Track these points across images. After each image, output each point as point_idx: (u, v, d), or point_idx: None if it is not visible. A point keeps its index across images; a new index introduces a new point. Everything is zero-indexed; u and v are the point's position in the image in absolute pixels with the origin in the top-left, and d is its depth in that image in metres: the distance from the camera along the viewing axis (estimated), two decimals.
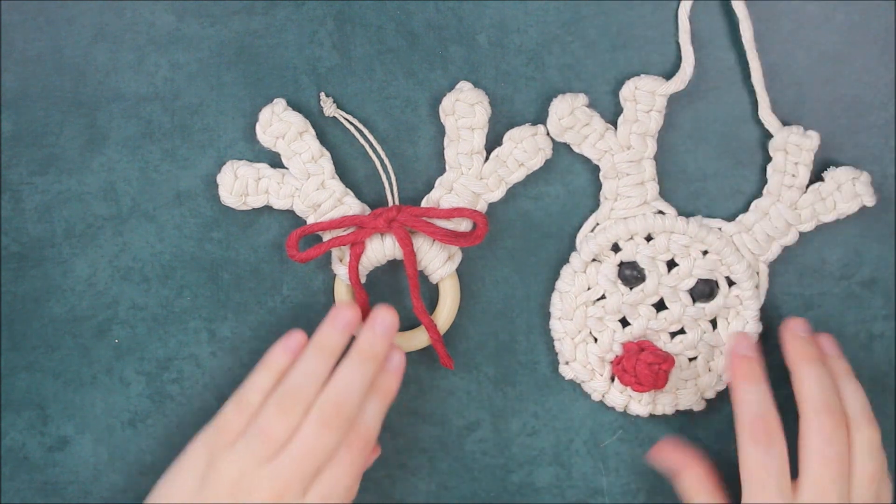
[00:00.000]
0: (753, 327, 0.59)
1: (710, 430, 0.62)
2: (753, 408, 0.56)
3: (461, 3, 0.59)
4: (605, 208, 0.59)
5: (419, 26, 0.59)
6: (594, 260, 0.60)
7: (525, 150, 0.58)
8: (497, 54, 0.59)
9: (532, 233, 0.60)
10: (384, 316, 0.57)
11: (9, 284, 0.61)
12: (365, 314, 0.59)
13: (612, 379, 0.61)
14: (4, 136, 0.60)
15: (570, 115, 0.58)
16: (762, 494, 0.55)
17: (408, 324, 0.61)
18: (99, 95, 0.59)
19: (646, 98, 0.58)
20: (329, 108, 0.58)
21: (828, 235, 0.60)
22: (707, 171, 0.60)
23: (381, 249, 0.58)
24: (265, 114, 0.58)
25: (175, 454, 0.62)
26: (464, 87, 0.58)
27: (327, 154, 0.58)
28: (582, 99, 0.58)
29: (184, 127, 0.60)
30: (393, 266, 0.60)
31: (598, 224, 0.59)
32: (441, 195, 0.59)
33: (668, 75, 0.58)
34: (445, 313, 0.60)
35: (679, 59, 0.58)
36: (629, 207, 0.59)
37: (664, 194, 0.60)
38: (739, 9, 0.57)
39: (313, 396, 0.54)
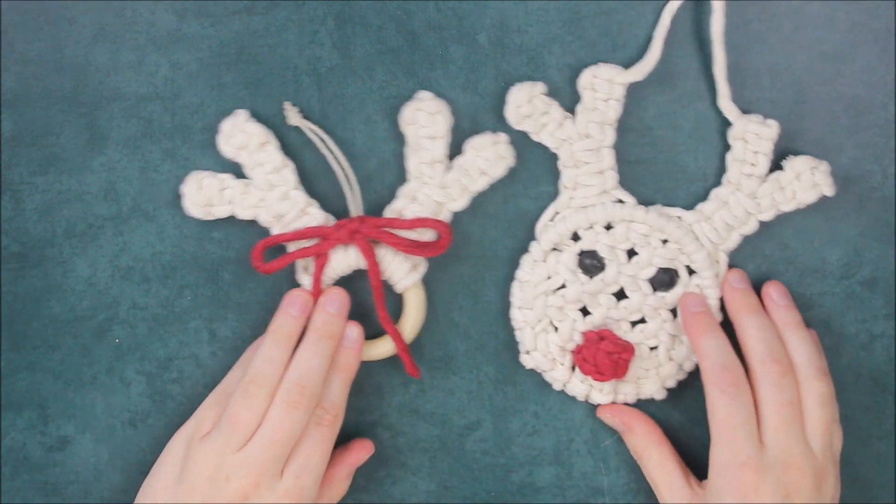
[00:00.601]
0: (715, 316, 0.59)
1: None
2: (719, 359, 0.57)
3: (461, 3, 0.59)
4: (564, 197, 0.59)
5: (419, 26, 0.59)
6: (554, 249, 0.60)
7: (487, 158, 0.58)
8: (497, 54, 0.59)
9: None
10: (335, 295, 0.58)
11: (9, 284, 0.61)
12: None
13: (574, 368, 0.60)
14: (5, 136, 0.60)
15: (528, 104, 0.58)
16: (732, 441, 0.56)
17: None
18: (99, 95, 0.59)
19: (604, 87, 0.58)
20: (293, 117, 0.58)
21: (828, 235, 0.60)
22: (707, 170, 0.60)
23: (344, 260, 0.58)
24: (227, 125, 0.58)
25: None
26: (424, 96, 0.58)
27: (291, 165, 0.58)
28: (540, 87, 0.58)
29: (184, 127, 0.60)
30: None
31: (557, 213, 0.59)
32: (404, 205, 0.59)
33: (668, 76, 0.58)
34: (411, 323, 0.60)
35: (678, 59, 0.58)
36: (588, 196, 0.59)
37: (667, 194, 0.60)
38: (717, 5, 0.57)
39: (276, 381, 0.56)
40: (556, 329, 0.60)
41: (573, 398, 0.62)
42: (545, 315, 0.60)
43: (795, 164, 0.58)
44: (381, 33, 0.59)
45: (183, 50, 0.59)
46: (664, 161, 0.60)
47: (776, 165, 0.59)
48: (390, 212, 0.59)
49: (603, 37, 0.59)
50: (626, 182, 0.60)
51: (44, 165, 0.60)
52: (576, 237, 0.59)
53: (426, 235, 0.58)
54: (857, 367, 0.61)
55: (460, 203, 0.59)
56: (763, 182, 0.58)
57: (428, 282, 0.61)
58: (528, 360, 0.61)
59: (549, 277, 0.60)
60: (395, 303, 0.61)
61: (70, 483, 0.62)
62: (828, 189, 0.58)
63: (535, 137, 0.59)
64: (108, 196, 0.60)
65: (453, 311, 0.61)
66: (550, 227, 0.59)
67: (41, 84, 0.59)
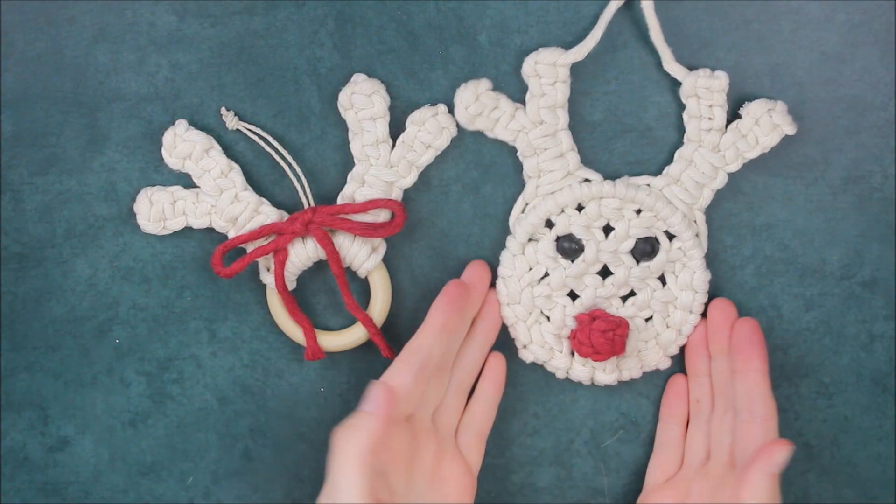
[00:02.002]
0: (701, 276, 0.59)
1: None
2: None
3: (462, 3, 0.59)
4: (530, 187, 0.59)
5: (420, 26, 0.59)
6: (530, 240, 0.59)
7: (429, 131, 0.58)
8: (497, 54, 0.59)
9: None
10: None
11: (9, 284, 0.61)
12: (295, 319, 0.59)
13: (573, 354, 0.60)
14: (5, 136, 0.60)
15: (476, 102, 0.58)
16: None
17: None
18: (99, 95, 0.59)
19: (548, 71, 0.58)
20: (231, 121, 0.58)
21: (828, 235, 0.60)
22: None
23: (304, 253, 0.58)
24: (168, 137, 0.58)
25: (175, 454, 0.62)
26: (358, 79, 0.58)
27: (237, 167, 0.59)
28: (485, 84, 0.58)
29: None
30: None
31: (527, 204, 0.59)
32: (355, 189, 0.59)
33: (666, 77, 0.58)
34: (379, 306, 0.60)
35: (678, 58, 0.58)
36: (554, 181, 0.59)
37: None
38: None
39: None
40: (548, 318, 0.60)
41: (573, 398, 0.62)
42: (534, 307, 0.60)
43: (752, 110, 0.58)
44: (381, 33, 0.59)
45: (183, 50, 0.59)
46: (664, 161, 0.60)
47: (735, 116, 0.59)
48: (341, 198, 0.59)
49: (603, 37, 0.59)
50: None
51: (44, 165, 0.60)
52: (549, 224, 0.59)
53: (380, 216, 0.59)
54: (857, 368, 0.61)
55: (409, 179, 0.59)
56: (723, 134, 0.58)
57: (428, 282, 0.61)
58: (526, 355, 0.61)
59: (530, 269, 0.60)
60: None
61: (70, 483, 0.62)
62: (788, 128, 0.57)
63: (490, 135, 0.58)
64: (108, 196, 0.60)
65: None
66: (523, 219, 0.59)
67: (41, 84, 0.59)
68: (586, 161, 0.59)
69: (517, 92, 0.59)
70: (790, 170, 0.59)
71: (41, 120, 0.60)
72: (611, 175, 0.59)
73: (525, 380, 0.61)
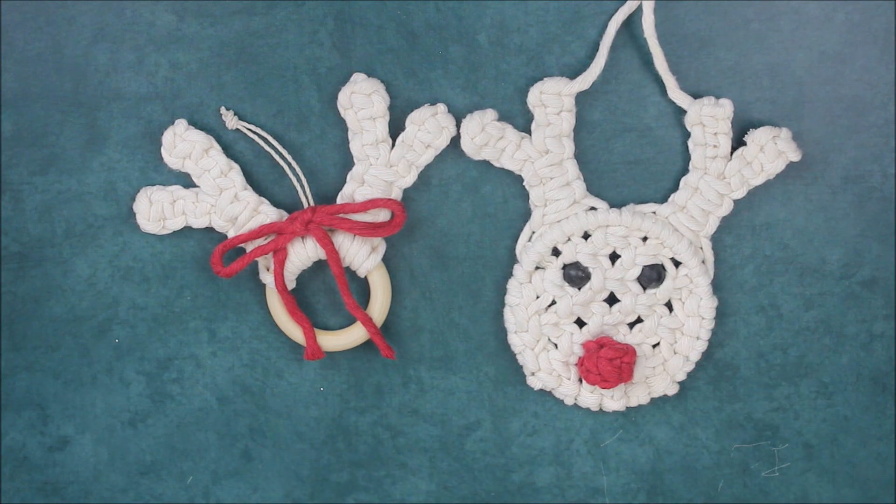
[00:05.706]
0: (708, 302, 0.59)
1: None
2: None
3: (461, 3, 0.59)
4: (536, 216, 0.59)
5: (419, 26, 0.59)
6: (537, 268, 0.60)
7: (429, 130, 0.58)
8: (497, 54, 0.59)
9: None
10: None
11: (9, 284, 0.61)
12: (295, 319, 0.59)
13: (581, 381, 0.61)
14: (4, 136, 0.60)
15: (482, 133, 0.58)
16: None
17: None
18: (99, 95, 0.59)
19: (553, 101, 0.58)
20: (231, 121, 0.58)
21: (828, 235, 0.60)
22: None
23: (303, 252, 0.59)
24: (167, 137, 0.58)
25: (175, 454, 0.62)
26: (357, 78, 0.58)
27: (236, 167, 0.59)
28: (491, 114, 0.58)
29: None
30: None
31: (533, 232, 0.60)
32: (354, 189, 0.59)
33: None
34: (378, 305, 0.60)
35: (678, 58, 0.58)
36: (560, 210, 0.59)
37: (666, 195, 0.60)
38: (646, 5, 0.57)
39: None
40: (556, 346, 0.60)
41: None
42: (542, 334, 0.60)
43: (757, 137, 0.58)
44: (381, 33, 0.59)
45: (183, 50, 0.59)
46: (663, 161, 0.60)
47: (740, 143, 0.59)
48: (341, 198, 0.59)
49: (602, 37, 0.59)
50: (626, 183, 0.60)
51: (44, 165, 0.60)
52: (556, 252, 0.59)
53: (380, 216, 0.59)
54: (857, 367, 0.61)
55: (409, 179, 0.59)
56: (728, 161, 0.58)
57: (428, 282, 0.61)
58: (535, 382, 0.61)
59: (537, 297, 0.60)
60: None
61: (70, 483, 0.62)
62: (793, 154, 0.58)
63: (496, 164, 0.59)
64: (108, 196, 0.60)
65: (453, 311, 0.61)
66: (529, 248, 0.59)
67: (41, 84, 0.59)
68: (585, 160, 0.59)
69: (515, 94, 0.59)
70: (789, 169, 0.59)
71: (41, 120, 0.60)
72: (611, 176, 0.60)
73: (525, 380, 0.61)
